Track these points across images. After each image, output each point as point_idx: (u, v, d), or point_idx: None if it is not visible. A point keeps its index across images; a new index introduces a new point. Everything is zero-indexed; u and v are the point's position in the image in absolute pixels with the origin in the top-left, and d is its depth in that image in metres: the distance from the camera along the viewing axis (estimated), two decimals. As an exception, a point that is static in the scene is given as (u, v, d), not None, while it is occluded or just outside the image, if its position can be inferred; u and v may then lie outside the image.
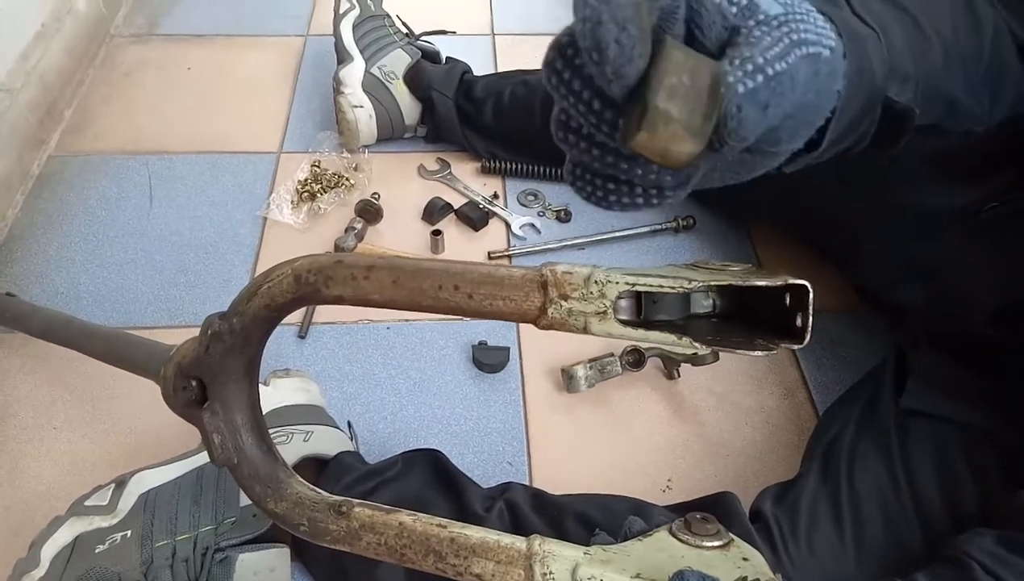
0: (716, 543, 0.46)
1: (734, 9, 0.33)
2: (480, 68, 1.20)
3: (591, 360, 0.88)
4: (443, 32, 1.28)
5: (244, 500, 0.67)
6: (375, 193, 1.09)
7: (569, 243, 1.05)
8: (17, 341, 0.91)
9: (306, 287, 0.45)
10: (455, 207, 1.09)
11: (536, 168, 1.14)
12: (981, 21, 0.50)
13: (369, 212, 1.05)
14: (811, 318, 0.40)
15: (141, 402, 0.86)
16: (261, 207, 1.09)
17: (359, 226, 1.03)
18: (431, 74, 1.14)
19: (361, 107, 1.13)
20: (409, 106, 1.16)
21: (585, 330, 0.40)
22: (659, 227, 1.07)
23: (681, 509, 0.70)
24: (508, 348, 0.92)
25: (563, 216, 1.09)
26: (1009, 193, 0.71)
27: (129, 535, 0.66)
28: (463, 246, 1.06)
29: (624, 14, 0.28)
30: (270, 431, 0.72)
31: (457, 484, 0.71)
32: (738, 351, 0.39)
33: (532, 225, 1.08)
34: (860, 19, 0.41)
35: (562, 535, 0.65)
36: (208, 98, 1.28)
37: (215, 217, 1.08)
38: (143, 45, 1.39)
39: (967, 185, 0.74)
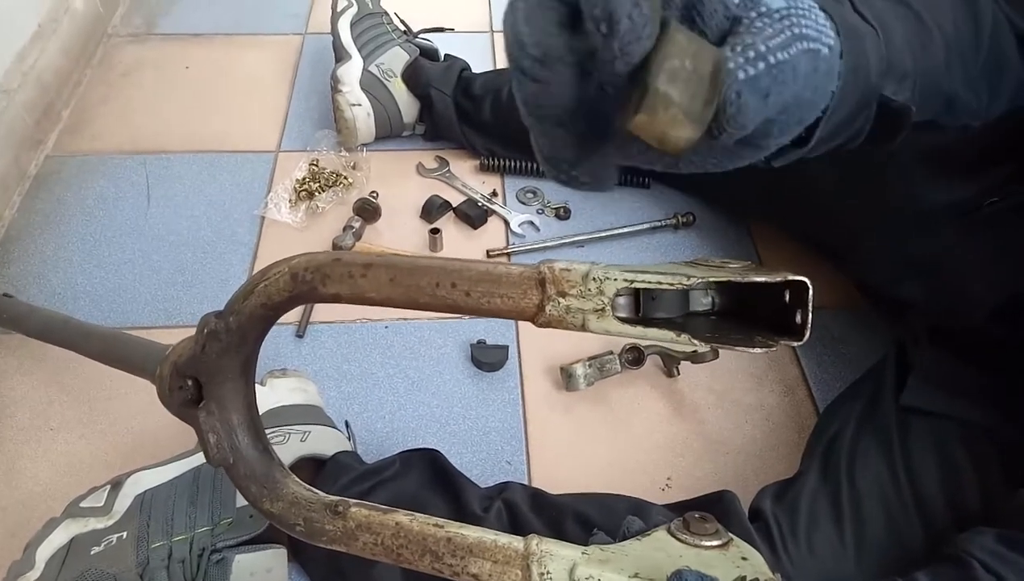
0: (715, 543, 0.46)
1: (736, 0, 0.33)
2: (479, 65, 1.20)
3: (590, 358, 0.88)
4: (441, 29, 1.28)
5: (241, 501, 0.67)
6: (373, 192, 1.09)
7: (568, 241, 1.05)
8: (14, 342, 0.90)
9: (303, 285, 0.44)
10: (454, 205, 1.09)
11: (535, 165, 1.13)
12: (980, 13, 0.49)
13: (367, 211, 1.05)
14: (811, 315, 0.40)
15: (138, 403, 0.86)
16: (259, 206, 1.09)
17: (357, 225, 1.03)
18: (429, 72, 1.13)
19: (359, 105, 1.12)
20: (407, 104, 1.15)
21: (583, 327, 0.39)
22: (659, 224, 1.06)
23: (680, 508, 0.70)
24: (507, 347, 0.91)
25: (562, 213, 1.09)
26: (1009, 187, 0.71)
27: (125, 536, 0.66)
28: (462, 244, 1.06)
29: None
30: (267, 431, 0.72)
31: (455, 484, 0.71)
32: (737, 348, 0.38)
33: (531, 223, 1.08)
34: (861, 16, 0.41)
35: (561, 535, 0.65)
36: (206, 97, 1.28)
37: (213, 216, 1.08)
38: (141, 45, 1.38)
39: (966, 180, 0.74)
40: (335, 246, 1.01)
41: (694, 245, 1.06)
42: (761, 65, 0.32)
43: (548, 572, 0.43)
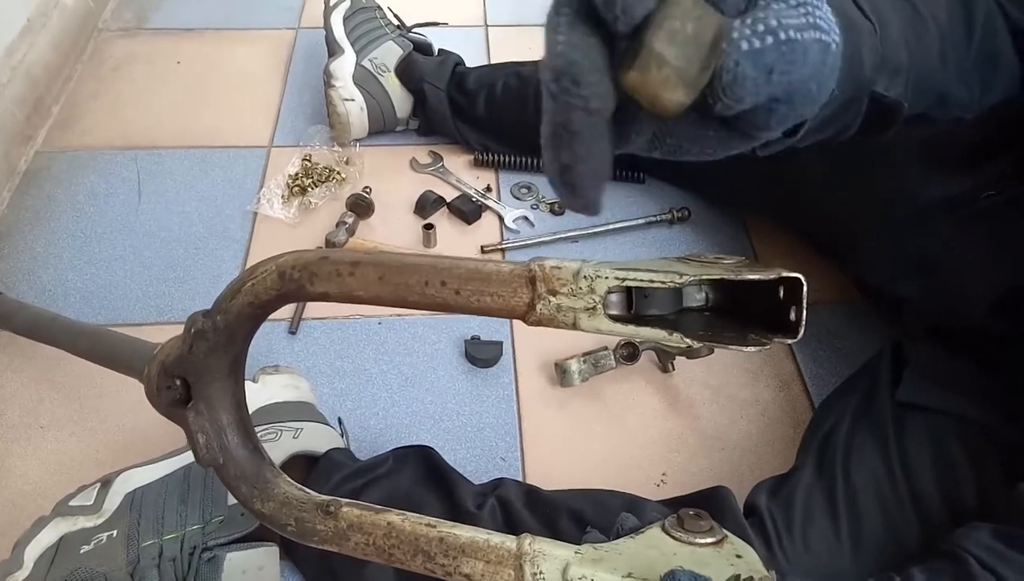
0: (709, 540, 0.45)
1: None
2: (473, 60, 1.19)
3: (585, 354, 0.87)
4: (435, 24, 1.27)
5: (232, 498, 0.66)
6: (366, 187, 1.08)
7: (563, 236, 1.04)
8: (3, 339, 0.90)
9: (290, 284, 0.44)
10: (448, 201, 1.08)
11: (529, 160, 1.13)
12: (974, 3, 0.49)
13: (360, 206, 1.04)
14: (805, 312, 0.39)
15: (129, 400, 0.85)
16: (251, 202, 1.08)
17: (350, 220, 1.02)
18: (423, 66, 1.12)
19: (352, 100, 1.11)
20: (401, 99, 1.14)
21: (574, 326, 0.39)
22: (654, 219, 1.06)
23: (675, 504, 0.70)
24: (501, 343, 0.91)
25: (557, 209, 1.08)
26: (1004, 181, 0.71)
27: (115, 535, 0.65)
28: (456, 240, 1.05)
29: None
30: (259, 428, 0.72)
31: (449, 481, 0.70)
32: (731, 347, 0.38)
33: (525, 218, 1.07)
34: (859, 8, 0.40)
35: (555, 532, 0.64)
36: (198, 92, 1.27)
37: (205, 212, 1.07)
38: (131, 39, 1.37)
39: (961, 174, 0.73)
40: (328, 242, 1.00)
41: (689, 240, 1.05)
42: (769, 40, 0.32)
43: (541, 572, 0.43)
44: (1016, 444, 0.65)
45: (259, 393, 0.76)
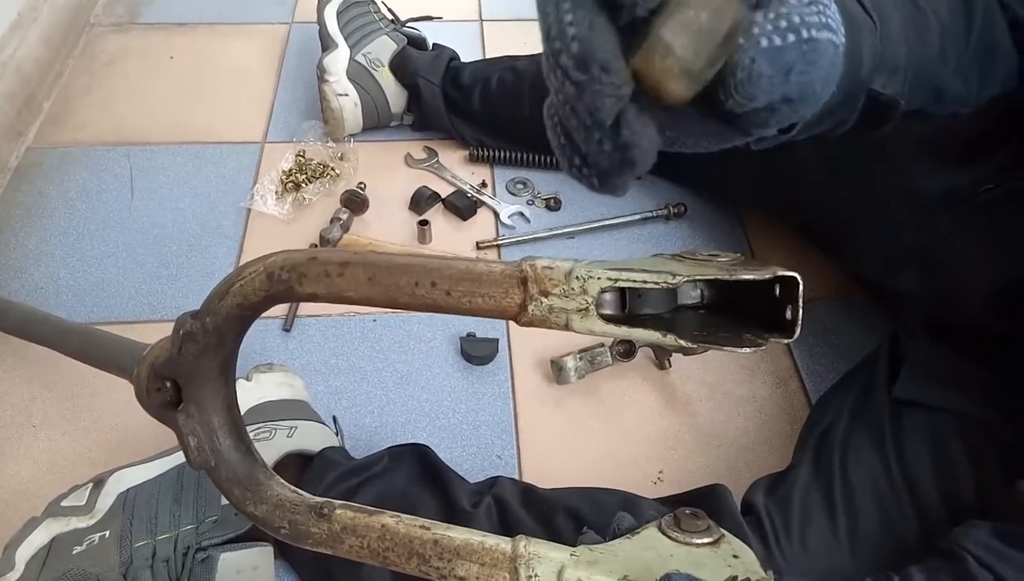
0: (706, 540, 0.45)
1: None
2: (468, 55, 1.18)
3: (581, 351, 0.87)
4: (429, 18, 1.26)
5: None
6: (361, 183, 1.07)
7: (559, 232, 1.04)
8: (-5, 338, 0.89)
9: (279, 285, 0.43)
10: (442, 196, 1.07)
11: (525, 156, 1.12)
12: None
13: (355, 202, 1.03)
14: (801, 311, 0.39)
15: (122, 399, 0.84)
16: (245, 198, 1.07)
17: (345, 217, 1.01)
18: (417, 61, 1.11)
19: (346, 95, 1.10)
20: (395, 94, 1.13)
21: (567, 327, 0.38)
22: (650, 215, 1.05)
23: (672, 502, 0.69)
24: (497, 340, 0.90)
25: (552, 204, 1.08)
26: (1003, 174, 0.70)
27: (108, 535, 0.65)
28: (451, 236, 1.04)
29: None
30: (253, 427, 0.71)
31: (444, 479, 0.70)
32: (725, 348, 0.37)
33: (521, 214, 1.06)
34: (861, 3, 0.40)
35: (551, 531, 0.64)
36: (191, 87, 1.26)
37: (198, 209, 1.06)
38: (124, 34, 1.36)
39: (960, 168, 0.73)
40: (322, 238, 1.00)
41: (686, 236, 1.05)
42: (791, 37, 0.30)
43: (536, 575, 0.43)
44: (1014, 441, 0.65)
45: (253, 391, 0.76)
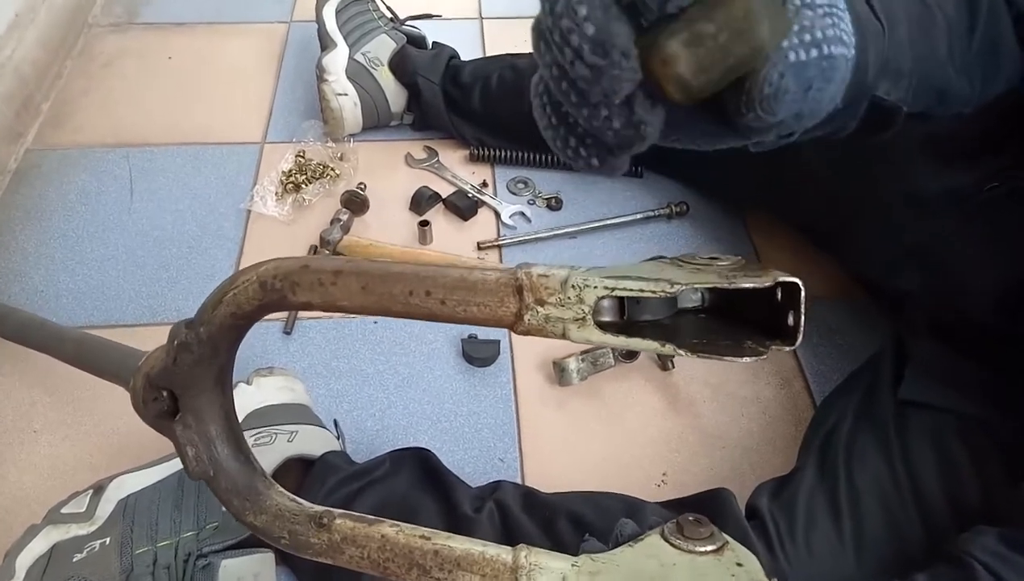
0: (709, 547, 0.44)
1: None
2: (468, 53, 1.17)
3: (583, 352, 0.86)
4: (429, 16, 1.25)
5: (225, 505, 0.65)
6: (361, 183, 1.06)
7: (560, 232, 1.03)
8: (-5, 342, 0.89)
9: (272, 294, 0.43)
10: (443, 196, 1.07)
11: (525, 154, 1.11)
12: None
13: (355, 203, 1.03)
14: (803, 317, 0.38)
15: (123, 403, 0.82)
16: (245, 199, 1.07)
17: (345, 217, 1.01)
18: (417, 60, 1.11)
19: (345, 95, 1.10)
20: (395, 93, 1.13)
21: (564, 336, 0.38)
22: (652, 214, 1.04)
23: (675, 506, 0.69)
24: (498, 341, 0.90)
25: (554, 204, 1.07)
26: (1007, 173, 0.69)
27: (108, 542, 0.65)
28: (451, 236, 1.04)
29: None
30: (253, 432, 0.71)
31: (446, 484, 0.69)
32: (726, 358, 0.37)
33: (522, 214, 1.06)
34: (870, 6, 0.39)
35: (553, 536, 0.63)
36: (190, 88, 1.25)
37: (198, 210, 1.06)
38: (122, 35, 1.35)
39: (963, 167, 0.72)
40: (322, 240, 0.99)
41: (688, 235, 1.04)
42: (814, 53, 0.29)
43: (536, 586, 0.42)
44: (1015, 441, 0.64)
45: (253, 396, 0.75)
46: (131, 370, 0.53)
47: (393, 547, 0.46)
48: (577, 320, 0.37)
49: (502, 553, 0.44)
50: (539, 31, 0.31)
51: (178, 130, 1.18)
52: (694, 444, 0.83)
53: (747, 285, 0.36)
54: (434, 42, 1.16)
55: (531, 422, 0.85)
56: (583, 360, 0.86)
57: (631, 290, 0.36)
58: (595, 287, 0.36)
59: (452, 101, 1.11)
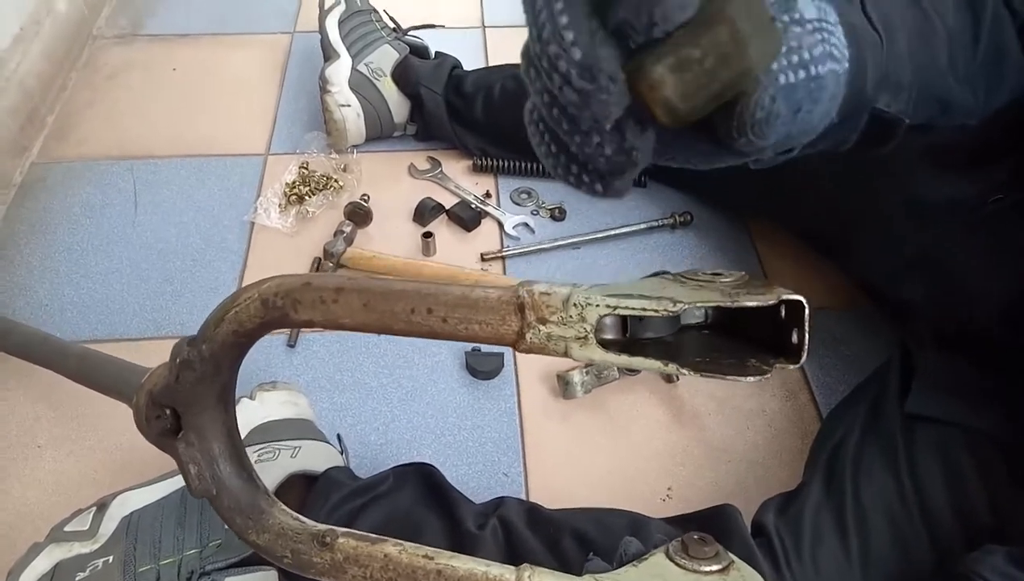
0: (714, 567, 0.44)
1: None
2: (470, 63, 1.17)
3: (587, 365, 0.86)
4: (431, 26, 1.25)
5: (228, 522, 0.65)
6: (364, 194, 1.06)
7: (564, 242, 1.03)
8: (-1, 357, 0.89)
9: (274, 311, 0.42)
10: (447, 207, 1.06)
11: (529, 165, 1.11)
12: (980, 4, 0.47)
13: (359, 214, 1.03)
14: (807, 335, 0.37)
15: (127, 419, 0.82)
16: (248, 211, 1.07)
17: (348, 229, 1.01)
18: (419, 70, 1.11)
19: (348, 106, 1.10)
20: (398, 103, 1.13)
21: (566, 354, 0.37)
22: (656, 224, 1.04)
23: (680, 522, 0.68)
24: (502, 354, 0.89)
25: (557, 214, 1.07)
26: (1012, 184, 0.69)
27: (111, 560, 0.64)
28: (455, 248, 1.03)
29: None
30: (256, 447, 0.71)
31: (449, 500, 0.69)
32: (729, 378, 0.36)
33: (526, 224, 1.05)
34: (867, 17, 0.38)
35: (558, 554, 0.63)
36: (194, 99, 1.26)
37: (202, 223, 1.06)
38: (127, 46, 1.36)
39: (966, 178, 0.71)
40: (326, 252, 0.99)
41: (692, 245, 1.04)
42: (801, 74, 0.29)
43: (539, 606, 0.42)
44: (1021, 453, 0.63)
45: (256, 411, 0.75)
46: (134, 387, 0.53)
47: (396, 567, 0.46)
48: (579, 339, 0.36)
49: (505, 573, 0.44)
50: (528, 57, 0.31)
51: (182, 142, 1.18)
52: (699, 457, 0.82)
53: (750, 303, 0.35)
54: (436, 52, 1.16)
55: (535, 435, 0.84)
56: (587, 373, 0.85)
57: (633, 309, 0.35)
58: (597, 305, 0.36)
59: (455, 111, 1.11)
